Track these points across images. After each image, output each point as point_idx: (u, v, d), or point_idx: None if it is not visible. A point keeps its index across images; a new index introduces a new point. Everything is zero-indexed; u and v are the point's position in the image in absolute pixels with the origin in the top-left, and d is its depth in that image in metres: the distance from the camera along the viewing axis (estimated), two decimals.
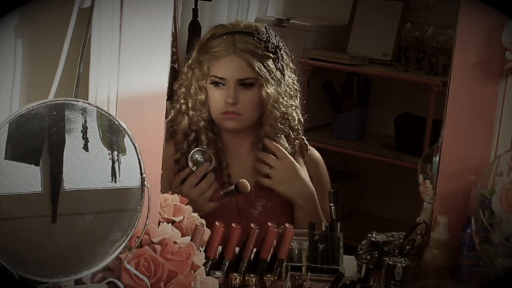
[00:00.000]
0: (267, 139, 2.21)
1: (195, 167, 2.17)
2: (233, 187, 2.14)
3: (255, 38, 2.17)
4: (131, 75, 1.72)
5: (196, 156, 2.18)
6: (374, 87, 3.65)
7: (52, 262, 1.57)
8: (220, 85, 2.17)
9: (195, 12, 3.27)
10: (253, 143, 2.24)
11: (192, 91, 2.20)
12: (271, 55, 2.18)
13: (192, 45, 2.30)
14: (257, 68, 2.15)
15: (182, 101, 2.21)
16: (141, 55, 1.72)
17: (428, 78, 3.28)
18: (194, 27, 3.23)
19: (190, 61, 2.23)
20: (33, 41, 1.74)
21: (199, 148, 2.19)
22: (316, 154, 2.34)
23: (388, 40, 3.57)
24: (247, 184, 2.13)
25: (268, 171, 2.19)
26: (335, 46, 3.66)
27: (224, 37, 2.17)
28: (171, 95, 2.20)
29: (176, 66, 2.42)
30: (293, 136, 2.25)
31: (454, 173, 1.91)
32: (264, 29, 2.20)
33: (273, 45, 2.19)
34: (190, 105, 2.20)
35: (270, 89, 2.17)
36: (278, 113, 2.19)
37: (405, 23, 3.52)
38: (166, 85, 1.79)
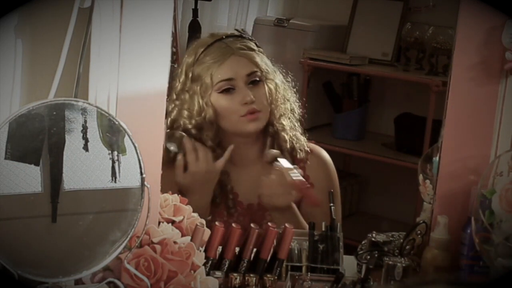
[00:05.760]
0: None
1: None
2: None
3: (245, 37, 2.18)
4: (131, 75, 1.72)
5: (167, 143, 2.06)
6: (374, 87, 3.65)
7: (52, 262, 1.57)
8: (230, 90, 2.11)
9: (195, 12, 3.28)
10: (259, 151, 2.18)
11: (195, 112, 2.11)
12: (261, 50, 2.18)
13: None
14: (259, 61, 2.14)
15: (189, 126, 2.11)
16: (141, 55, 1.72)
17: (428, 78, 3.28)
18: (194, 27, 3.23)
19: (179, 87, 2.14)
20: (33, 41, 1.74)
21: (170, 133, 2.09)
22: (323, 154, 2.27)
23: (388, 40, 3.57)
24: None
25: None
26: (335, 46, 3.66)
27: (214, 45, 2.14)
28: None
29: (176, 66, 2.41)
30: (299, 132, 2.21)
31: (454, 173, 1.91)
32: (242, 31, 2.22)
33: (256, 43, 2.19)
34: (193, 126, 2.12)
35: (276, 80, 2.16)
36: (288, 105, 2.17)
37: (405, 23, 3.52)
38: (166, 85, 1.78)
